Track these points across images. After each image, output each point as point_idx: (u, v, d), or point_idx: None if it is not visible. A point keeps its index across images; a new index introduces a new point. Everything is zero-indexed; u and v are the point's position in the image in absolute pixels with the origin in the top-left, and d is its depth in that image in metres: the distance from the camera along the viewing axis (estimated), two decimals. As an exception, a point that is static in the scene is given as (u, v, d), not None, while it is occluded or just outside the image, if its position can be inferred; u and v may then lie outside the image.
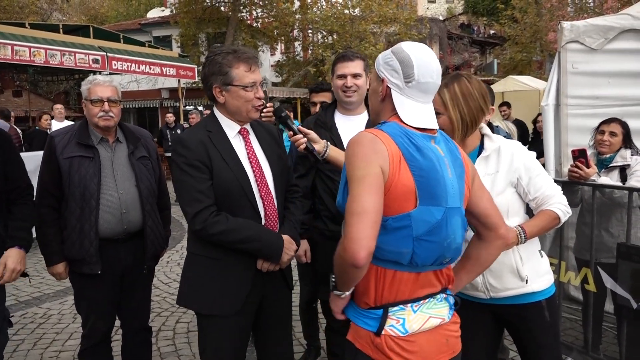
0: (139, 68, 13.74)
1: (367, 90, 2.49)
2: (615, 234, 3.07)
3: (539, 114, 8.65)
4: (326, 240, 2.57)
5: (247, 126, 2.16)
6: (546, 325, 2.00)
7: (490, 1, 26.45)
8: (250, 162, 2.08)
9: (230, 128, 2.10)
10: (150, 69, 14.16)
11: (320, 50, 17.98)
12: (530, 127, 8.97)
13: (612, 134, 3.29)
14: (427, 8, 31.71)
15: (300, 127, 2.19)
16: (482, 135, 2.04)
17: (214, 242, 1.98)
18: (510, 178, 1.96)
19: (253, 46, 19.97)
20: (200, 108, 20.82)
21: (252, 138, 2.16)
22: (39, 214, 2.45)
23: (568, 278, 3.19)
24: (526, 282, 1.97)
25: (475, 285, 2.00)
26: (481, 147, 2.02)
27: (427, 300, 1.51)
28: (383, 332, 1.44)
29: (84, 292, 2.52)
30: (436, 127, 1.54)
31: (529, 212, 2.08)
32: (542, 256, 2.07)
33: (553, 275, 2.11)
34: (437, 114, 1.94)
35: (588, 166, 2.95)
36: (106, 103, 2.44)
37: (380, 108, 1.59)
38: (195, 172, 1.97)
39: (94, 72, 16.35)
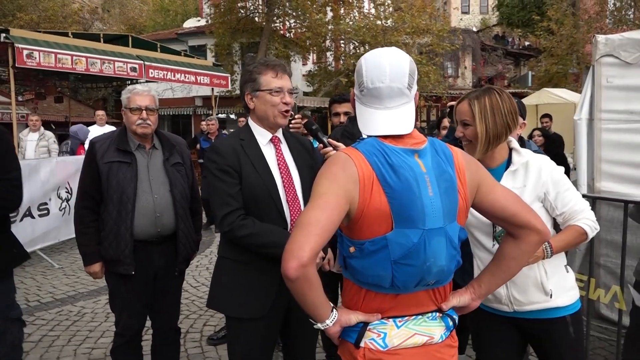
0: (174, 76, 14.10)
1: None
2: None
3: (534, 129, 8.56)
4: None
5: (280, 135, 2.24)
6: (570, 342, 1.98)
7: (525, 12, 26.11)
8: (280, 170, 2.15)
9: (262, 136, 2.18)
10: (185, 77, 14.52)
11: (352, 61, 18.08)
12: (570, 139, 8.81)
13: None
14: (461, 19, 31.53)
15: (331, 140, 2.25)
16: (510, 150, 2.05)
17: (242, 245, 2.05)
18: (537, 192, 1.96)
19: (285, 56, 20.25)
20: (233, 115, 21.22)
21: (284, 147, 2.23)
22: (79, 215, 2.58)
23: (598, 295, 3.14)
24: (550, 297, 1.96)
25: (499, 298, 2.01)
26: (509, 161, 2.03)
27: (414, 317, 1.45)
28: (362, 345, 1.40)
29: (118, 292, 2.63)
30: (406, 131, 1.43)
31: (556, 228, 2.08)
32: (567, 271, 2.06)
33: (580, 291, 2.09)
34: (466, 125, 1.97)
35: None
36: (144, 111, 2.57)
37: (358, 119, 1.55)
38: (226, 176, 2.05)
39: (132, 80, 16.90)
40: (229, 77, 16.24)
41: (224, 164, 2.06)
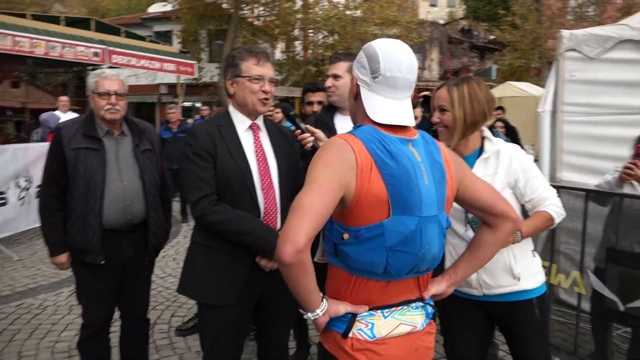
0: (138, 62, 13.76)
1: None
2: None
3: (497, 120, 8.80)
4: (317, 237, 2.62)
5: (260, 123, 2.22)
6: (536, 323, 2.06)
7: (491, 7, 26.59)
8: (257, 157, 2.13)
9: (242, 122, 2.16)
10: (150, 63, 14.17)
11: (320, 50, 18.04)
12: (529, 132, 9.07)
13: None
14: (429, 12, 31.82)
15: (308, 126, 2.24)
16: (483, 138, 2.10)
17: (213, 231, 2.03)
18: (508, 179, 2.02)
19: (254, 44, 20.01)
20: (198, 104, 20.86)
21: (263, 135, 2.21)
22: (44, 203, 2.49)
23: (558, 281, 3.26)
24: (518, 280, 2.03)
25: (469, 282, 2.06)
26: (481, 149, 2.08)
27: (400, 307, 1.47)
28: (350, 335, 1.41)
29: (85, 282, 2.56)
30: (411, 124, 1.47)
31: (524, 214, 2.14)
32: (534, 256, 2.14)
33: (544, 276, 2.16)
34: (444, 110, 2.02)
35: None
36: (113, 96, 2.49)
37: (355, 107, 1.55)
38: (200, 160, 2.03)
39: (94, 65, 16.37)
40: (196, 65, 15.97)
41: (198, 147, 2.04)
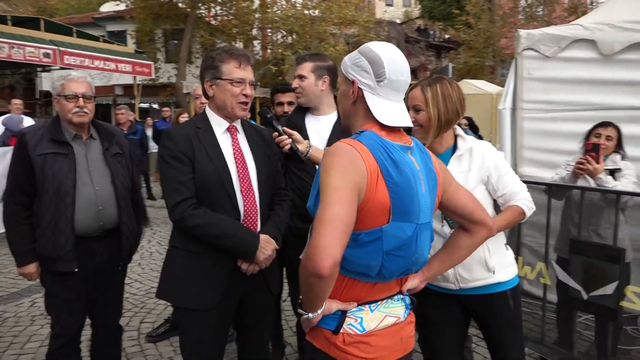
0: (92, 63, 13.33)
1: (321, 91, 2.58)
2: (604, 235, 3.03)
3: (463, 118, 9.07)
4: (294, 238, 2.61)
5: (238, 125, 2.19)
6: (511, 314, 2.13)
7: (445, 6, 27.19)
8: (236, 159, 2.10)
9: (219, 125, 2.13)
10: (104, 64, 13.75)
11: (280, 50, 17.99)
12: (486, 128, 9.33)
13: (608, 137, 3.20)
14: (385, 11, 32.29)
15: (285, 128, 2.24)
16: (456, 136, 2.16)
17: (193, 235, 2.01)
18: (481, 175, 2.08)
19: (211, 44, 19.74)
20: (156, 106, 20.42)
21: (241, 137, 2.18)
22: (10, 211, 2.39)
23: (524, 273, 3.38)
24: (493, 273, 2.10)
25: (446, 277, 2.11)
26: (455, 147, 2.14)
27: (385, 301, 1.52)
28: (342, 331, 1.45)
29: (56, 291, 2.46)
30: (410, 124, 1.52)
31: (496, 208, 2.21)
32: (507, 249, 2.21)
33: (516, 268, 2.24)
34: (418, 110, 2.06)
35: (598, 162, 2.90)
36: (81, 99, 2.41)
37: (351, 111, 1.54)
38: (178, 163, 2.00)
39: (44, 67, 15.74)
40: (152, 65, 15.61)
41: (176, 150, 2.00)
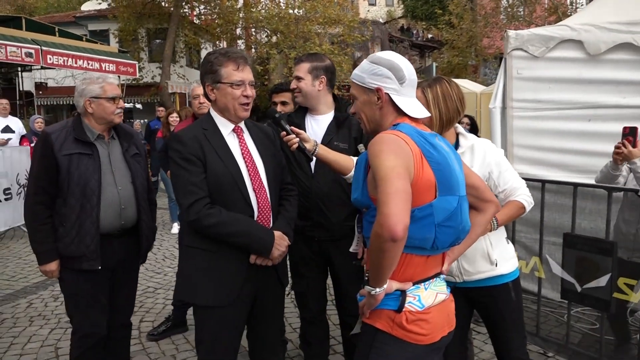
0: (75, 63, 13.16)
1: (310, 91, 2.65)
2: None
3: (465, 116, 9.20)
4: (294, 234, 2.67)
5: (242, 125, 2.25)
6: (513, 305, 2.22)
7: (428, 6, 27.46)
8: (244, 158, 2.16)
9: (225, 126, 2.18)
10: (88, 64, 13.56)
11: (265, 49, 17.99)
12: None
13: None
14: (368, 11, 32.40)
15: (293, 127, 2.29)
16: (457, 134, 2.24)
17: (208, 234, 2.05)
18: (482, 172, 2.17)
19: (195, 43, 19.67)
20: (139, 106, 20.23)
21: (247, 136, 2.24)
22: (32, 211, 2.42)
23: (519, 266, 3.48)
24: (495, 266, 2.19)
25: (450, 270, 2.19)
26: (457, 145, 2.22)
27: (434, 279, 1.68)
28: (404, 309, 1.59)
29: (81, 289, 2.48)
30: (428, 114, 1.74)
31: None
32: (508, 243, 2.30)
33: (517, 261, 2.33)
34: None
35: (634, 146, 2.84)
36: (120, 100, 2.52)
37: (379, 116, 1.70)
38: (190, 165, 2.04)
39: (26, 66, 15.49)
40: (137, 65, 15.48)
41: (187, 152, 2.05)
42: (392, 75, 1.66)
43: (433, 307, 1.64)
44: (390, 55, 1.70)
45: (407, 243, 1.52)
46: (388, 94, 1.67)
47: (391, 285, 1.58)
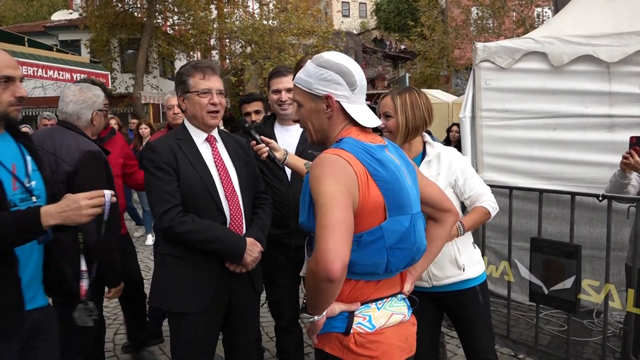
0: (46, 73, 12.84)
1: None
2: None
3: (453, 124, 9.42)
4: (268, 244, 2.69)
5: (216, 135, 2.29)
6: (481, 307, 2.29)
7: (400, 18, 27.95)
8: (217, 166, 2.20)
9: (198, 136, 2.22)
10: (59, 74, 13.27)
11: (239, 60, 18.00)
12: (443, 135, 9.65)
13: None
14: (342, 22, 32.84)
15: (263, 137, 2.33)
16: (424, 143, 2.32)
17: (181, 241, 2.07)
18: (449, 179, 2.25)
19: (169, 54, 19.54)
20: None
21: (220, 145, 2.29)
22: None
23: (489, 271, 3.57)
24: (463, 270, 2.26)
25: (420, 276, 2.24)
26: (424, 153, 2.29)
27: (389, 299, 1.57)
28: (352, 331, 1.48)
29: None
30: (379, 123, 1.60)
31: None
32: (475, 247, 2.38)
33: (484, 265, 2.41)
34: (389, 116, 2.21)
35: None
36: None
37: (328, 125, 1.56)
38: (163, 174, 2.07)
39: (-6, 77, 15.15)
40: (109, 75, 15.30)
41: (160, 161, 2.08)
42: (343, 81, 1.51)
43: (386, 328, 1.53)
44: (339, 58, 1.54)
45: (357, 270, 1.46)
46: (339, 101, 1.52)
47: (333, 308, 1.48)
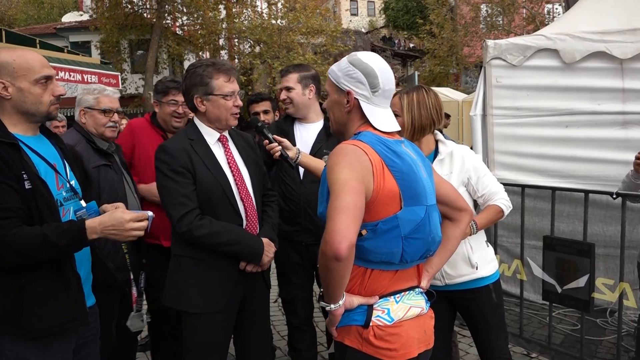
0: (57, 75, 12.88)
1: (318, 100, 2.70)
2: None
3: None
4: (280, 240, 2.71)
5: (226, 134, 2.29)
6: (494, 306, 2.28)
7: (409, 16, 27.83)
8: (230, 167, 2.21)
9: (210, 136, 2.22)
10: (70, 75, 13.38)
11: (248, 59, 18.05)
12: (454, 133, 9.65)
13: None
14: (350, 21, 32.78)
15: (276, 136, 2.34)
16: (437, 141, 2.31)
17: (200, 244, 2.08)
18: (462, 178, 2.24)
19: (178, 54, 19.66)
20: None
21: (231, 145, 2.29)
22: None
23: (502, 270, 3.56)
24: (476, 269, 2.25)
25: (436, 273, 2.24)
26: (436, 152, 2.28)
27: (407, 292, 1.61)
28: (371, 324, 1.52)
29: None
30: (398, 128, 1.65)
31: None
32: (488, 246, 2.37)
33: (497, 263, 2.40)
34: (396, 115, 2.19)
35: None
36: (115, 114, 2.53)
37: (346, 119, 1.64)
38: (179, 177, 2.07)
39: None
40: (119, 76, 15.41)
41: (175, 164, 2.08)
42: (366, 81, 1.57)
43: (405, 320, 1.56)
44: (370, 59, 1.60)
45: (372, 259, 1.50)
46: (357, 99, 1.60)
47: (352, 300, 1.52)
